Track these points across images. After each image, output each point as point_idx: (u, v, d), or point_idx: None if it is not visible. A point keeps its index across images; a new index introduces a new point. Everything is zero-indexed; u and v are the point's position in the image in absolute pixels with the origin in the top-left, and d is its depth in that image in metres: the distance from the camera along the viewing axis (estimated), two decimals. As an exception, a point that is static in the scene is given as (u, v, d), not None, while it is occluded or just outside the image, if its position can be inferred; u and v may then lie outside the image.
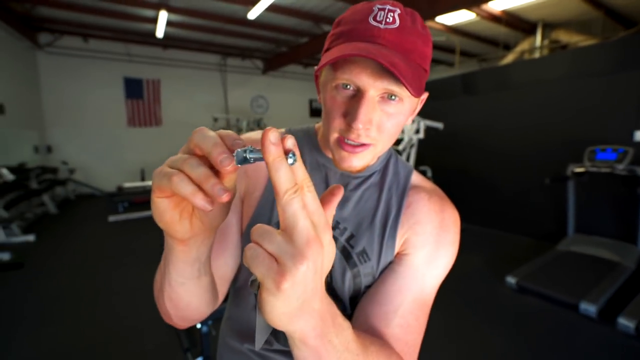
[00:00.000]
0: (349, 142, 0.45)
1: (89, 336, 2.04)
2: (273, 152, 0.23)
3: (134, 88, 7.33)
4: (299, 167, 0.25)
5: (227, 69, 8.48)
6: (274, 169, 0.23)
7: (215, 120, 7.16)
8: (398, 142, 4.08)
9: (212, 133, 0.26)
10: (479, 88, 4.43)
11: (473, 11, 5.39)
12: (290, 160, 0.24)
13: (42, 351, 1.90)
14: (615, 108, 3.22)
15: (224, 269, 0.52)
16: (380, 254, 0.52)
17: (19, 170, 4.76)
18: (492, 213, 4.33)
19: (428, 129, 4.22)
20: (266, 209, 0.53)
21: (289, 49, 7.61)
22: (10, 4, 5.01)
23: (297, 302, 0.25)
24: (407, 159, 4.19)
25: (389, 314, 0.47)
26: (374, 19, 0.42)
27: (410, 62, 0.43)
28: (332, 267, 0.53)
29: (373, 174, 0.56)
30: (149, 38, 6.84)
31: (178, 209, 0.30)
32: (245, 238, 0.53)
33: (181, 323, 0.48)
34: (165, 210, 0.30)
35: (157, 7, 5.21)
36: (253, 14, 5.29)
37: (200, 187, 0.26)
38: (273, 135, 0.23)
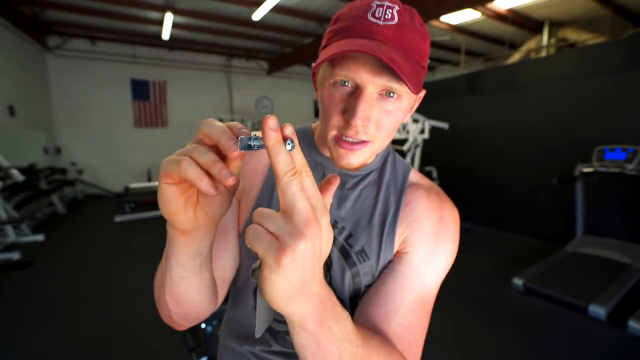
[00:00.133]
0: (347, 139, 0.45)
1: (92, 335, 2.05)
2: (272, 137, 0.25)
3: (140, 89, 7.42)
4: (298, 153, 0.26)
5: (232, 70, 8.53)
6: (273, 153, 0.25)
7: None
8: (403, 142, 4.05)
9: (220, 123, 0.29)
10: (484, 88, 4.38)
11: (479, 10, 5.35)
12: (288, 147, 0.26)
13: (46, 348, 1.92)
14: (624, 107, 3.16)
15: (223, 270, 0.52)
16: (379, 253, 0.52)
17: (29, 171, 4.83)
18: (498, 214, 4.28)
19: (433, 129, 4.19)
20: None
21: (294, 49, 7.64)
22: (20, 7, 5.11)
23: (296, 281, 0.26)
24: (412, 160, 4.17)
25: (390, 313, 0.47)
26: (373, 15, 0.42)
27: (409, 58, 0.42)
28: (332, 266, 0.52)
29: (371, 172, 0.56)
30: (155, 40, 6.92)
31: (183, 197, 0.31)
32: (243, 238, 0.53)
33: (181, 322, 0.47)
34: (171, 197, 0.30)
35: (163, 10, 5.27)
36: (257, 15, 5.32)
37: (206, 173, 0.27)
38: (272, 122, 0.25)
